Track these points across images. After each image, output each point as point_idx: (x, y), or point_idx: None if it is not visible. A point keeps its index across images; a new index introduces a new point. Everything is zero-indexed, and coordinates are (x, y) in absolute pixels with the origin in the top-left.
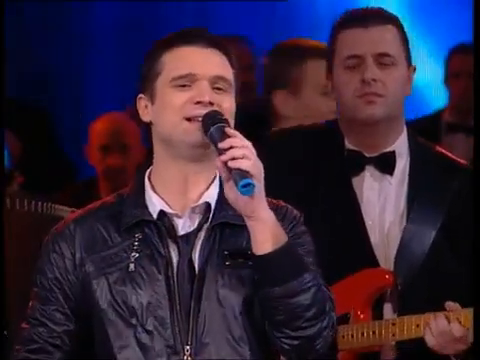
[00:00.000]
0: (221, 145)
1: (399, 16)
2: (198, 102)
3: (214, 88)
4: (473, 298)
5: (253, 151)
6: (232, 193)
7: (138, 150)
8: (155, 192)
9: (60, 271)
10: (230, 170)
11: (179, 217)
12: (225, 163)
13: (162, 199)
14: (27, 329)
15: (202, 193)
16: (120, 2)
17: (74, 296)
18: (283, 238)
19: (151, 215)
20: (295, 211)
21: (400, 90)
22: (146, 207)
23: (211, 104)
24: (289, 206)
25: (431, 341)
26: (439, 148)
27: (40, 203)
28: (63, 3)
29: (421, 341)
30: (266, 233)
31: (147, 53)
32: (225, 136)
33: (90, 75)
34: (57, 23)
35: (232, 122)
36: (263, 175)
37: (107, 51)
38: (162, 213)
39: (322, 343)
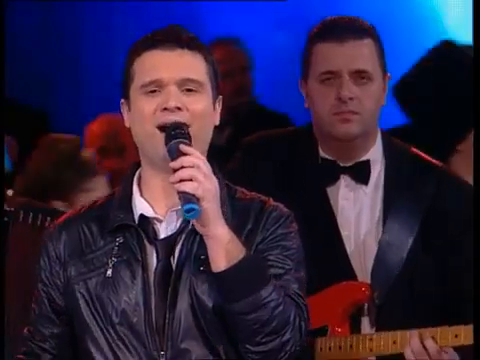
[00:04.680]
0: (171, 164)
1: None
2: (165, 108)
3: (184, 90)
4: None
5: (205, 171)
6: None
7: (135, 152)
8: (141, 195)
9: (46, 274)
10: (178, 192)
11: (160, 221)
12: (175, 183)
13: (147, 203)
14: (25, 332)
15: None
16: (118, 3)
17: (59, 299)
18: (239, 254)
19: (133, 219)
20: (284, 210)
21: (376, 105)
22: (131, 211)
23: (179, 109)
24: (278, 205)
25: (410, 358)
26: (414, 149)
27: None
28: (61, 4)
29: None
30: (219, 251)
31: (125, 57)
32: (179, 154)
33: (87, 76)
34: (54, 24)
35: (205, 124)
36: (216, 193)
37: (104, 52)
38: (143, 217)
39: (287, 356)
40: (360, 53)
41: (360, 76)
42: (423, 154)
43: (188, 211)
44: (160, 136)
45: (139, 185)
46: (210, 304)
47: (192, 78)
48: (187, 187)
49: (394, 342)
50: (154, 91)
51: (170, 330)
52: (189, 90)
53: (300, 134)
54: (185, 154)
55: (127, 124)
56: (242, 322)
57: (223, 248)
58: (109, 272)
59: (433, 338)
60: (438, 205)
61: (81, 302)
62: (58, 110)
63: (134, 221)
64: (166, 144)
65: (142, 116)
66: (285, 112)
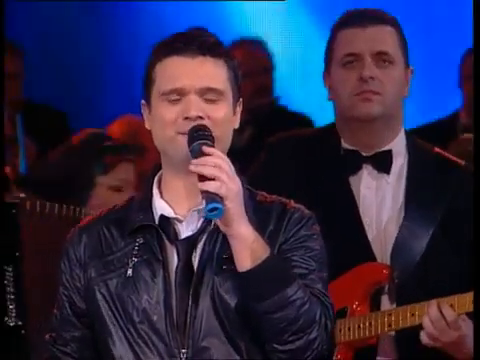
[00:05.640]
0: (192, 166)
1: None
2: (186, 118)
3: (205, 98)
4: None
5: (228, 170)
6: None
7: (156, 152)
8: (162, 197)
9: (67, 277)
10: (201, 192)
11: (180, 221)
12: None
13: (168, 204)
14: (47, 338)
15: None
16: (140, 3)
17: (80, 302)
18: (263, 254)
19: (153, 220)
20: (306, 212)
21: (397, 89)
22: (151, 212)
23: (200, 118)
24: (300, 207)
25: (429, 328)
26: (438, 149)
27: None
28: (81, 4)
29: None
30: (244, 250)
31: (147, 59)
32: (201, 155)
33: (107, 76)
34: (75, 24)
35: (227, 130)
36: (240, 193)
37: (125, 52)
38: (163, 218)
39: (313, 354)
40: (382, 36)
41: (382, 59)
42: (446, 153)
43: (211, 210)
44: (181, 139)
45: (159, 188)
46: (232, 303)
47: (213, 87)
48: (210, 186)
49: (412, 314)
50: (175, 99)
51: (192, 328)
52: (209, 100)
53: (322, 132)
54: (207, 154)
55: (147, 126)
56: (268, 321)
57: (248, 247)
58: (129, 272)
59: (451, 306)
60: (459, 203)
61: (102, 303)
62: (78, 110)
63: (154, 222)
64: (189, 146)
65: (163, 122)
66: (306, 113)
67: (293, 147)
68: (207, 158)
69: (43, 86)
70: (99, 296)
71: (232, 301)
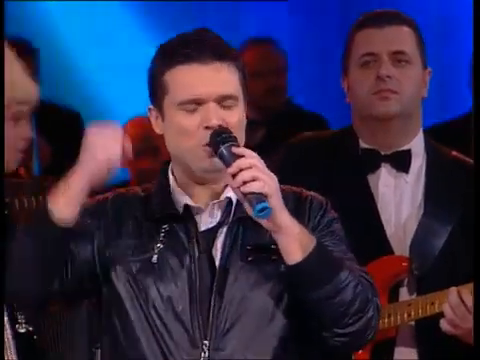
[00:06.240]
0: (230, 170)
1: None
2: (207, 127)
3: (222, 106)
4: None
5: (262, 167)
6: (250, 212)
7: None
8: (179, 186)
9: (84, 227)
10: (244, 194)
11: (202, 212)
12: (238, 188)
13: (186, 194)
14: None
15: (223, 189)
16: (154, 3)
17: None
18: (311, 243)
19: (177, 209)
20: (320, 198)
21: (415, 89)
22: (172, 201)
23: (220, 126)
24: (313, 194)
25: (449, 314)
26: (455, 153)
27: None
28: (94, 3)
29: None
30: (293, 243)
31: (151, 62)
32: (233, 157)
33: (120, 77)
34: (88, 24)
35: (242, 132)
36: (278, 187)
37: (138, 53)
38: (187, 207)
39: (372, 333)
40: (399, 36)
41: (399, 58)
42: (462, 156)
43: (261, 210)
44: (202, 152)
45: (175, 177)
46: (259, 294)
47: (229, 94)
48: (253, 187)
49: (432, 303)
50: (193, 109)
51: (215, 319)
52: (226, 106)
53: (341, 134)
54: (239, 156)
55: (158, 131)
56: (328, 307)
57: (296, 240)
58: (155, 258)
59: (471, 292)
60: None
61: (121, 283)
62: (90, 110)
63: (177, 211)
64: (215, 151)
65: (182, 132)
66: (319, 113)
67: (312, 148)
68: (242, 161)
69: (54, 87)
70: (120, 277)
71: (258, 292)
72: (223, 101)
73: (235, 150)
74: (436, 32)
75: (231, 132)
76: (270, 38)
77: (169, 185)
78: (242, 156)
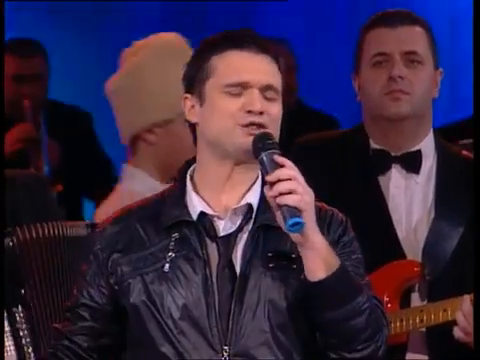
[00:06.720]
0: (268, 178)
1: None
2: (249, 111)
3: (264, 96)
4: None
5: (301, 181)
6: (282, 223)
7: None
8: (196, 193)
9: (91, 272)
10: (279, 205)
11: (220, 218)
12: (274, 197)
13: (203, 200)
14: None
15: (244, 194)
16: (166, 3)
17: (98, 297)
18: (335, 263)
19: (190, 215)
20: (340, 215)
21: (426, 89)
22: (186, 207)
23: (261, 113)
24: (334, 210)
25: (462, 322)
26: (466, 152)
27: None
28: (106, 4)
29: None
30: (318, 260)
31: (194, 53)
32: (274, 165)
33: None
34: (96, 24)
35: (277, 127)
36: (313, 203)
37: None
38: (202, 214)
39: None
40: (411, 36)
41: (411, 59)
42: (473, 156)
43: (293, 225)
44: (239, 131)
45: (193, 183)
46: (279, 301)
47: (274, 85)
48: (289, 200)
49: (445, 310)
50: (236, 93)
51: (235, 326)
52: (268, 98)
53: (351, 133)
54: (280, 165)
55: (193, 119)
56: (340, 330)
57: (321, 257)
58: (167, 267)
59: None
60: None
61: (136, 297)
62: (101, 109)
63: (190, 217)
64: (257, 155)
65: (223, 114)
66: (330, 113)
67: (322, 148)
68: (282, 171)
69: (68, 87)
70: (133, 291)
71: (279, 300)
72: (266, 91)
73: (277, 159)
74: (448, 32)
75: (274, 138)
76: (279, 38)
77: (186, 191)
78: (283, 166)
